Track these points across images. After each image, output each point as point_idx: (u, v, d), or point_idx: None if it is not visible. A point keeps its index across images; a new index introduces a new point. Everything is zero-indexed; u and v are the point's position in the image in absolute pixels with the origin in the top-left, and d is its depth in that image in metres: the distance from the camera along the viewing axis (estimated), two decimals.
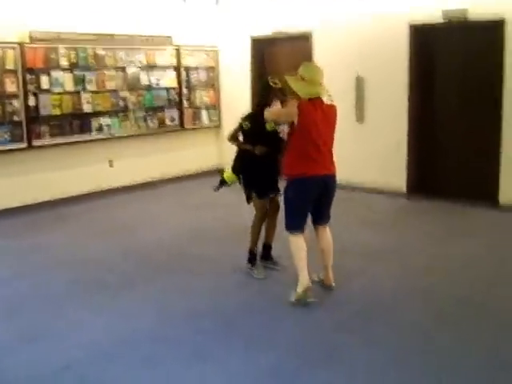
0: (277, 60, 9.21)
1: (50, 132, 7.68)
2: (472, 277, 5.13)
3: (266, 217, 5.28)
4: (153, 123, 8.94)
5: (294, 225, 4.69)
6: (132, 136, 8.68)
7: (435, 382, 3.50)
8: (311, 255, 4.73)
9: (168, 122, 9.16)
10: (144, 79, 8.73)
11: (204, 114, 9.78)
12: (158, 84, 8.93)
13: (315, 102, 4.57)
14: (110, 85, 8.27)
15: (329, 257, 4.86)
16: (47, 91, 7.58)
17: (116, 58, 8.32)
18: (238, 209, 6.57)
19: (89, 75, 7.99)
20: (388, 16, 7.76)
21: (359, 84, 8.15)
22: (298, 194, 4.64)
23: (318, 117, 4.54)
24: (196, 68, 9.52)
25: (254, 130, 5.08)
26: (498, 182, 7.16)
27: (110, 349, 3.98)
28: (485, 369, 3.63)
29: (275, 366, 3.73)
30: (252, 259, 5.33)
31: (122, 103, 8.47)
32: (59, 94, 7.71)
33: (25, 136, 7.42)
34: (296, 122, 4.51)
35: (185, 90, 9.35)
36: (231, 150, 5.51)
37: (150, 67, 8.82)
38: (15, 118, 7.34)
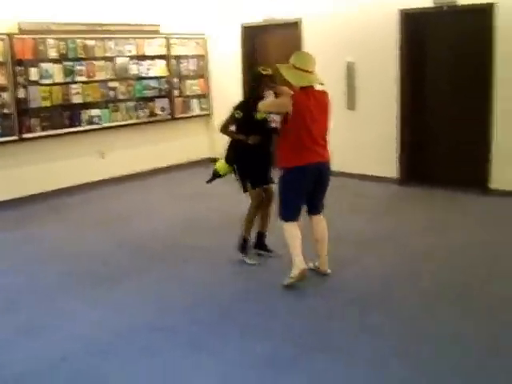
0: (267, 47, 9.19)
1: (41, 124, 7.64)
2: (466, 263, 5.16)
3: (261, 205, 5.29)
4: (143, 113, 8.91)
5: (289, 214, 4.70)
6: (123, 126, 8.64)
7: (435, 370, 3.52)
8: (305, 244, 4.74)
9: (158, 111, 9.12)
10: (134, 69, 8.68)
11: (194, 103, 9.74)
12: (147, 74, 8.89)
13: (307, 90, 4.58)
14: (100, 75, 8.23)
15: (324, 246, 4.88)
16: (36, 83, 7.54)
17: (105, 48, 8.26)
18: (231, 199, 6.59)
19: (78, 66, 7.95)
20: (378, 2, 7.74)
21: (350, 71, 8.14)
22: (293, 183, 4.65)
23: (311, 105, 4.55)
24: (186, 57, 9.47)
25: (245, 118, 5.06)
26: (489, 168, 7.20)
27: (106, 341, 3.99)
28: (484, 354, 3.67)
29: (271, 355, 3.74)
30: (244, 246, 5.34)
31: (112, 94, 8.42)
32: (49, 85, 7.66)
33: (16, 128, 7.37)
34: (290, 112, 4.50)
35: (175, 80, 9.32)
36: (222, 140, 5.49)
37: (140, 57, 8.77)
38: (5, 111, 7.30)
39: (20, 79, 7.36)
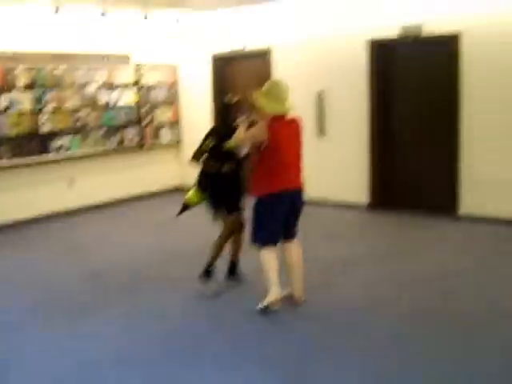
0: (238, 76, 9.25)
1: (9, 153, 7.53)
2: (436, 287, 5.19)
3: (232, 234, 5.25)
4: (113, 141, 8.86)
5: (268, 237, 4.66)
6: (92, 155, 8.57)
7: None
8: (279, 271, 4.70)
9: (128, 140, 9.08)
10: (103, 98, 8.66)
11: (164, 131, 9.73)
12: (117, 102, 8.86)
13: (281, 118, 4.60)
14: (69, 104, 8.18)
15: (300, 271, 4.84)
16: (5, 111, 7.46)
17: (75, 77, 8.23)
18: (199, 228, 6.53)
19: (47, 94, 7.89)
20: (346, 32, 7.89)
21: (320, 99, 8.23)
22: (269, 207, 4.62)
23: (285, 133, 4.57)
24: (156, 85, 9.49)
25: (218, 145, 5.02)
26: (458, 194, 7.30)
27: (74, 374, 3.86)
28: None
29: None
30: (208, 273, 5.21)
31: (81, 122, 8.37)
32: (18, 114, 7.59)
33: None
34: (265, 141, 4.49)
35: (145, 108, 9.31)
36: (192, 167, 5.43)
37: (110, 85, 8.75)
38: None
39: None
